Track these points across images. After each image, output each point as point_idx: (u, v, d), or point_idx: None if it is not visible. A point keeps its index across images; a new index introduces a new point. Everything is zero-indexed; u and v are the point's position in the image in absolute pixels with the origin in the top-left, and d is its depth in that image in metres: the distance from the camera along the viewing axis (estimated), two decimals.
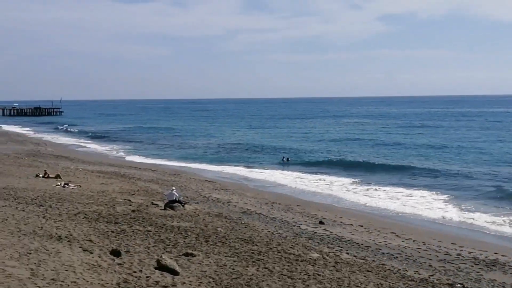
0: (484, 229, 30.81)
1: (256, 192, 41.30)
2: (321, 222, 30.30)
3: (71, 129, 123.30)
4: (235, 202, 35.62)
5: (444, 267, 22.19)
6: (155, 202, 30.90)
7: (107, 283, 14.68)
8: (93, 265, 16.14)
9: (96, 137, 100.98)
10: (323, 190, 43.96)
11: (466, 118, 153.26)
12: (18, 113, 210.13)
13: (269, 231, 26.00)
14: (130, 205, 29.24)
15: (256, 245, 22.17)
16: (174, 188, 32.54)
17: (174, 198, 29.92)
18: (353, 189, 44.35)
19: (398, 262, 22.30)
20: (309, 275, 18.09)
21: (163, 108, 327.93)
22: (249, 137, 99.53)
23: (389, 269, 20.66)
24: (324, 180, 49.14)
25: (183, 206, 29.73)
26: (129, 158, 66.82)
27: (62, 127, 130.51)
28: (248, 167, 58.15)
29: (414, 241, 27.05)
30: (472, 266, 22.57)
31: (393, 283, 18.43)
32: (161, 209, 28.99)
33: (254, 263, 18.91)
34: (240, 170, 55.80)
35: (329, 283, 17.44)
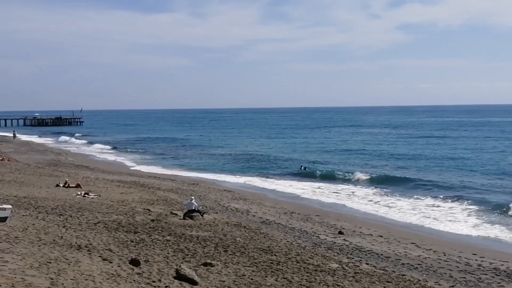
0: (505, 240, 30.44)
1: (275, 202, 41.22)
2: (340, 232, 30.15)
3: (79, 140, 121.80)
4: (254, 211, 35.58)
5: (464, 278, 21.94)
6: (174, 212, 30.92)
7: None
8: (112, 274, 16.15)
9: (115, 147, 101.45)
10: (342, 200, 43.77)
11: (486, 127, 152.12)
12: (39, 123, 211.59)
13: (288, 241, 25.89)
14: (150, 215, 29.29)
15: (275, 255, 22.08)
16: (193, 197, 32.60)
17: (193, 208, 29.93)
18: (372, 199, 44.10)
19: (418, 273, 22.09)
20: (328, 286, 17.96)
21: (181, 117, 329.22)
22: (268, 147, 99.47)
23: (409, 279, 20.45)
24: (343, 190, 48.95)
25: (202, 215, 29.73)
26: (148, 168, 67.01)
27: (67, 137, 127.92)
28: (267, 177, 58.07)
29: (434, 251, 26.81)
30: (493, 277, 22.28)
31: None
32: (180, 219, 29.00)
33: (273, 273, 18.82)
34: (259, 180, 55.76)
35: None
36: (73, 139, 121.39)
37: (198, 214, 29.72)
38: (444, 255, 26.10)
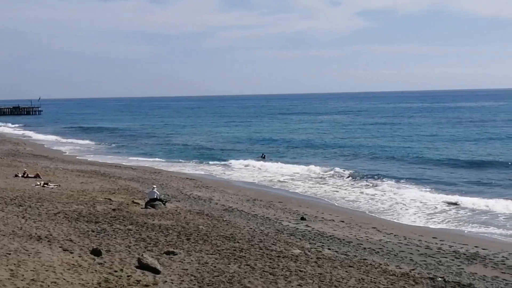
0: (465, 223, 31.09)
1: (238, 189, 41.33)
2: (302, 218, 30.42)
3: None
4: (217, 199, 35.63)
5: (425, 261, 22.39)
6: (136, 201, 30.79)
7: (88, 283, 14.62)
8: (74, 265, 16.06)
9: (74, 136, 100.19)
10: (304, 186, 44.10)
11: (442, 113, 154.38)
12: None
13: (251, 228, 26.05)
14: (111, 204, 29.10)
15: (238, 242, 22.20)
16: (155, 186, 32.48)
17: (155, 197, 29.84)
18: (334, 184, 44.53)
19: (379, 257, 22.46)
20: (291, 271, 18.15)
21: (143, 106, 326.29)
22: (230, 134, 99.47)
23: (370, 264, 20.79)
24: (304, 177, 49.28)
25: (164, 204, 29.66)
26: (109, 156, 66.46)
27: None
28: (230, 164, 58.15)
29: (395, 235, 27.27)
30: (453, 260, 22.79)
31: (374, 278, 18.55)
32: (142, 208, 28.89)
33: (236, 260, 18.94)
34: (221, 167, 55.87)
35: (311, 279, 17.51)
36: (7, 128, 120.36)
37: (160, 202, 29.63)
38: (405, 239, 26.57)
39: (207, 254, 19.57)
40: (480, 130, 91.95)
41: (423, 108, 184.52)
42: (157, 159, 63.91)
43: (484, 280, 19.98)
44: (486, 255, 23.79)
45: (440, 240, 26.41)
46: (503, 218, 31.70)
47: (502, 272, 21.19)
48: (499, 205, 34.35)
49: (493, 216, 32.37)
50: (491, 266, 22.02)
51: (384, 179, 45.41)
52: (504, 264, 22.42)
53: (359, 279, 18.15)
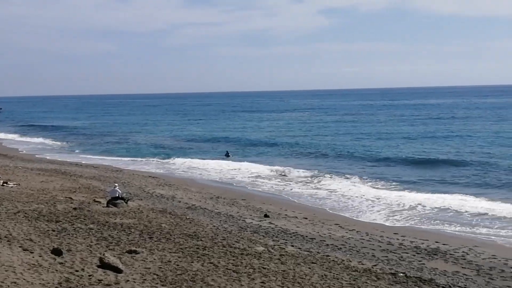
0: (426, 220, 31.54)
1: (201, 187, 41.23)
2: (266, 216, 30.50)
3: None
4: (180, 197, 35.49)
5: (386, 256, 22.66)
6: (97, 200, 30.47)
7: (48, 283, 14.41)
8: (34, 264, 15.81)
9: (33, 134, 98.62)
10: (267, 184, 44.21)
11: (398, 110, 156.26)
12: None
13: (214, 226, 26.01)
14: (72, 203, 28.74)
15: (201, 240, 22.15)
16: (116, 184, 32.16)
17: (117, 195, 29.55)
18: (297, 182, 44.74)
19: (342, 253, 22.66)
20: (254, 269, 18.19)
21: (104, 103, 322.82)
22: (193, 132, 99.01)
23: (333, 260, 20.95)
24: (268, 173, 49.40)
25: (126, 202, 29.41)
26: (69, 155, 65.71)
27: None
28: (193, 162, 57.86)
29: (357, 232, 27.54)
30: (414, 255, 23.12)
31: (337, 274, 18.70)
32: (103, 207, 28.61)
33: (199, 259, 18.89)
34: (184, 165, 55.62)
35: (274, 276, 17.57)
36: None
37: (122, 201, 29.36)
38: (367, 235, 26.87)
39: (170, 252, 19.48)
40: (438, 127, 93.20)
41: (383, 106, 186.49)
42: (118, 157, 63.36)
43: (445, 275, 20.30)
44: (447, 250, 24.18)
45: (402, 236, 26.76)
46: (467, 215, 32.10)
47: (463, 267, 21.57)
48: (458, 202, 35.00)
49: (454, 213, 32.87)
50: (452, 261, 22.40)
51: (345, 177, 45.76)
52: (464, 259, 22.83)
53: (322, 276, 18.28)
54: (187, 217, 27.82)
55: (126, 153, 68.03)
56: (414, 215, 32.41)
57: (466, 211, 32.80)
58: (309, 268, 19.20)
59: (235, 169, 52.06)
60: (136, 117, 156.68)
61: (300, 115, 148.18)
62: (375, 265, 20.75)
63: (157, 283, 15.75)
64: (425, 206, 34.40)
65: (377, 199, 37.03)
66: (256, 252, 20.81)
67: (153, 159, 61.33)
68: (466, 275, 20.53)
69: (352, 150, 64.79)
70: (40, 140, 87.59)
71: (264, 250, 21.35)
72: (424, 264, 21.82)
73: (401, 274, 19.55)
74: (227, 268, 17.93)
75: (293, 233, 26.36)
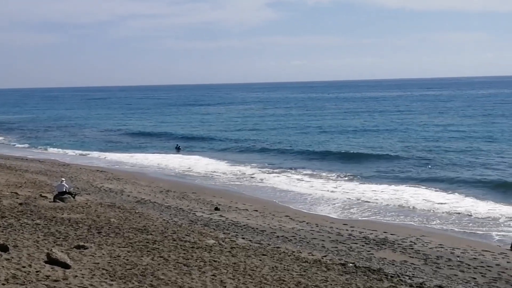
0: (374, 211, 32.05)
1: (150, 181, 40.90)
2: (216, 209, 30.48)
3: None
4: (129, 191, 35.13)
5: (336, 247, 22.94)
6: (44, 194, 29.89)
7: None
8: None
9: None
10: (217, 176, 44.24)
11: (348, 102, 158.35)
12: None
13: (164, 220, 25.82)
14: (17, 198, 28.11)
15: (151, 234, 21.96)
16: (63, 179, 31.59)
17: (64, 190, 29.05)
18: (247, 174, 44.85)
19: (292, 245, 22.81)
20: (205, 262, 18.13)
21: (47, 96, 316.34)
22: (140, 126, 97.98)
23: (283, 251, 21.07)
24: (218, 166, 49.39)
25: (73, 197, 28.94)
26: (12, 149, 64.33)
27: None
28: (142, 156, 57.45)
29: (307, 223, 27.78)
30: (363, 246, 23.47)
31: (287, 265, 18.81)
32: (50, 202, 28.08)
33: (149, 253, 18.71)
34: (133, 159, 55.11)
35: (225, 269, 17.55)
36: None
37: (70, 196, 28.88)
38: (317, 226, 27.14)
39: (119, 247, 19.23)
40: (384, 120, 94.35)
41: (331, 99, 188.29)
42: (64, 151, 62.34)
43: (393, 264, 20.67)
44: (395, 240, 24.64)
45: (351, 227, 27.13)
46: (415, 207, 32.80)
47: (411, 257, 22.02)
48: (407, 195, 35.86)
49: (402, 204, 33.48)
50: (400, 251, 22.82)
51: (295, 171, 46.13)
52: (412, 248, 23.30)
53: (272, 267, 18.35)
54: (137, 211, 27.54)
55: (73, 147, 66.90)
56: (363, 207, 32.88)
57: (414, 203, 33.45)
58: (260, 260, 19.26)
59: (185, 163, 51.83)
60: (81, 111, 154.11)
61: (248, 108, 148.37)
62: (325, 256, 20.96)
63: (106, 278, 15.53)
64: (373, 198, 34.95)
65: (327, 191, 37.44)
66: (206, 245, 20.75)
67: (100, 153, 60.54)
68: (414, 264, 20.95)
69: (300, 143, 65.22)
70: None
71: (214, 243, 21.31)
72: (372, 254, 22.17)
73: (351, 264, 19.80)
74: (177, 262, 17.82)
75: (244, 225, 26.40)
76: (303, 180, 41.74)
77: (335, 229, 26.54)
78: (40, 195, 29.87)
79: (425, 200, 33.94)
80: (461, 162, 47.98)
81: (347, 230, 26.53)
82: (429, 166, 46.48)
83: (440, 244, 24.12)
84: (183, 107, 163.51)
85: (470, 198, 34.33)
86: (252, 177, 43.57)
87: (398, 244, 24.02)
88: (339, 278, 18.00)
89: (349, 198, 35.06)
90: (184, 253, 19.07)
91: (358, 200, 34.60)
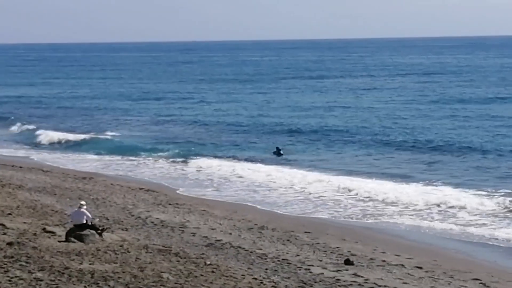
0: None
1: (232, 209, 41.12)
2: (348, 262, 30.24)
3: None
4: (194, 226, 35.43)
5: None
6: (49, 229, 30.54)
7: None
8: None
9: None
10: (349, 203, 44.14)
11: None
12: None
13: (255, 279, 25.81)
14: (5, 234, 28.87)
15: None
16: (83, 203, 32.02)
17: (84, 221, 29.57)
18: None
19: None
20: None
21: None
22: (201, 111, 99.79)
23: None
24: (352, 184, 49.38)
25: (100, 234, 29.40)
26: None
27: None
28: (213, 164, 58.26)
29: None
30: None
31: None
32: (60, 241, 28.62)
33: None
34: (192, 168, 56.20)
35: None
36: None
37: (93, 231, 29.37)
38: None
39: None
40: None
41: None
42: (83, 154, 63.99)
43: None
44: None
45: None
46: None
47: None
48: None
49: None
50: None
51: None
52: None
53: None
54: (208, 263, 27.70)
55: (105, 145, 68.94)
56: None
57: None
58: None
59: (289, 177, 52.19)
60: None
61: (402, 81, 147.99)
62: None
63: None
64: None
65: None
66: None
67: (145, 157, 61.82)
68: None
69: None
70: None
71: None
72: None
73: None
74: None
75: None
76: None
77: None
78: (44, 229, 30.49)
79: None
80: None
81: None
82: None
83: None
84: (277, 81, 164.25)
85: None
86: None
87: None
88: None
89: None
90: None
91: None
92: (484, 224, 39.27)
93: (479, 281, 28.73)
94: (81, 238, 28.82)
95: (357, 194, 47.12)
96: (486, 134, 74.78)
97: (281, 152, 63.60)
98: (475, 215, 41.14)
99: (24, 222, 31.96)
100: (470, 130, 79.61)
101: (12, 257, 25.32)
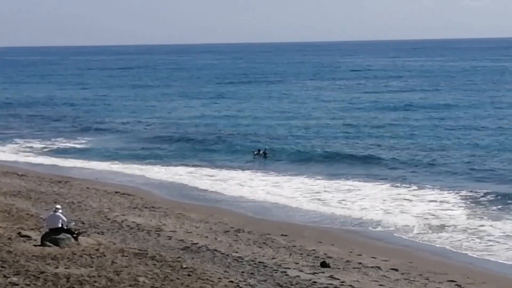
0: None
1: (208, 212, 41.12)
2: (324, 264, 30.30)
3: None
4: (170, 230, 35.44)
5: None
6: (24, 233, 30.47)
7: None
8: None
9: None
10: (324, 208, 44.18)
11: None
12: None
13: (231, 282, 25.86)
14: None
15: None
16: (59, 207, 32.00)
17: (60, 225, 29.51)
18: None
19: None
20: None
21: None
22: (187, 112, 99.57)
23: None
24: (325, 184, 49.55)
25: (75, 238, 29.36)
26: None
27: None
28: (197, 166, 58.49)
29: None
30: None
31: None
32: (36, 245, 28.58)
33: None
34: (171, 172, 56.27)
35: None
36: None
37: (69, 235, 29.32)
38: None
39: None
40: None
41: None
42: (58, 158, 63.87)
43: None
44: None
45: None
46: None
47: None
48: None
49: None
50: None
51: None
52: None
53: None
54: (184, 266, 27.70)
55: (74, 152, 68.62)
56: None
57: None
58: None
59: (270, 182, 52.43)
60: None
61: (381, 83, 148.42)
62: None
63: None
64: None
65: None
66: None
67: (122, 163, 61.71)
68: None
69: None
70: None
71: None
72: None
73: None
74: None
75: None
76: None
77: None
78: (19, 233, 30.46)
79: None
80: None
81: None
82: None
83: None
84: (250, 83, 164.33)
85: None
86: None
87: None
88: None
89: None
90: None
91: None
92: (459, 226, 39.46)
93: (455, 283, 28.91)
94: (56, 242, 28.77)
95: (333, 197, 47.26)
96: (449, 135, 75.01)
97: (267, 154, 63.51)
98: (450, 216, 41.37)
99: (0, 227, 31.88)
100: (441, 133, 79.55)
101: None
